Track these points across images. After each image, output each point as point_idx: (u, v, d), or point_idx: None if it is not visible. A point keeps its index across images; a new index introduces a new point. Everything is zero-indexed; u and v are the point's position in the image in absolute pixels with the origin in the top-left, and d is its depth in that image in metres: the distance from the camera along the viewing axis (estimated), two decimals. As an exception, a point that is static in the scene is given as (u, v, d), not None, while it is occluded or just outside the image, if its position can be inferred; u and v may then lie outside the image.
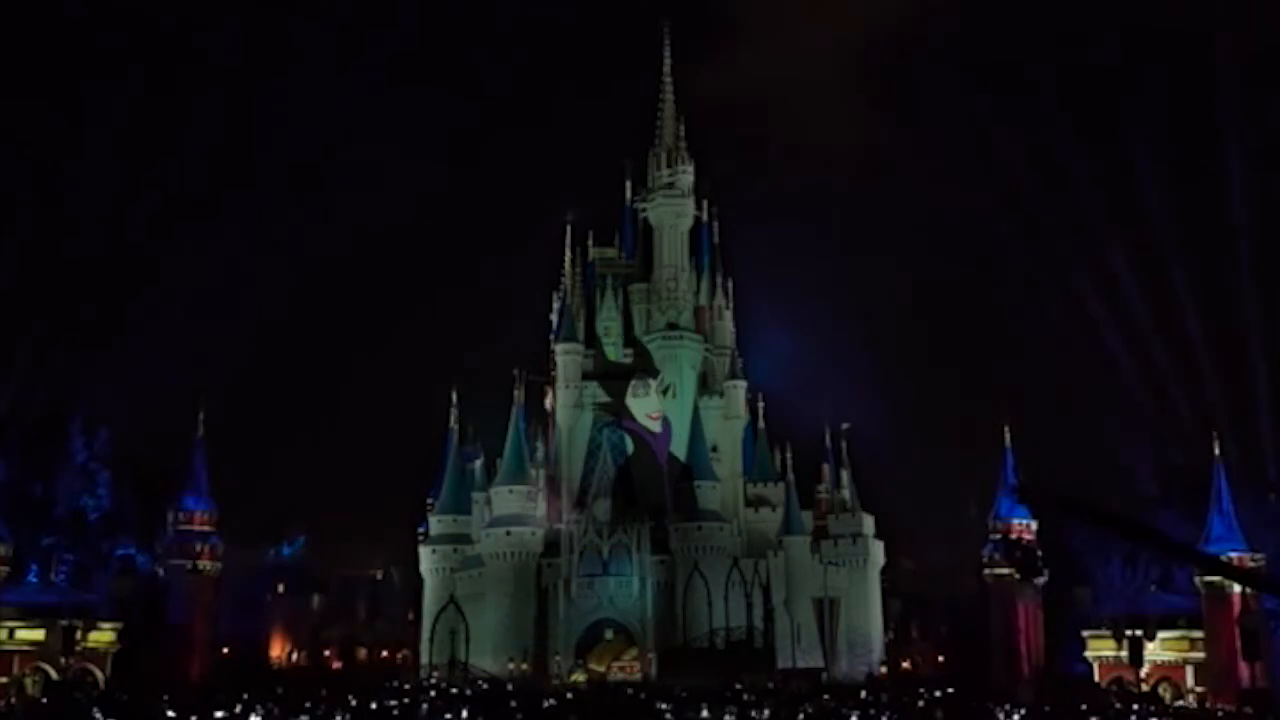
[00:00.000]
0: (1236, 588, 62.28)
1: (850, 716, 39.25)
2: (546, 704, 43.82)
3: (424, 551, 79.91)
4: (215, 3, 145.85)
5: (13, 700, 55.44)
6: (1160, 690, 62.36)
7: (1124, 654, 63.34)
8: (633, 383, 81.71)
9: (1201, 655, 64.32)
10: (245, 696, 42.38)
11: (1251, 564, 63.45)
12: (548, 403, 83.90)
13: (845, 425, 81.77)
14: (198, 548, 67.19)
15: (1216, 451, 66.26)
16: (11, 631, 61.91)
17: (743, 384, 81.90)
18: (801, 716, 38.71)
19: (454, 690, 54.50)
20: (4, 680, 60.21)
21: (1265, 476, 72.29)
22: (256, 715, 39.12)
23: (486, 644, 72.53)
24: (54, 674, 61.62)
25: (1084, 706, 42.64)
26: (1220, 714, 52.80)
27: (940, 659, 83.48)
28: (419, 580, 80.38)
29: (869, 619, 77.70)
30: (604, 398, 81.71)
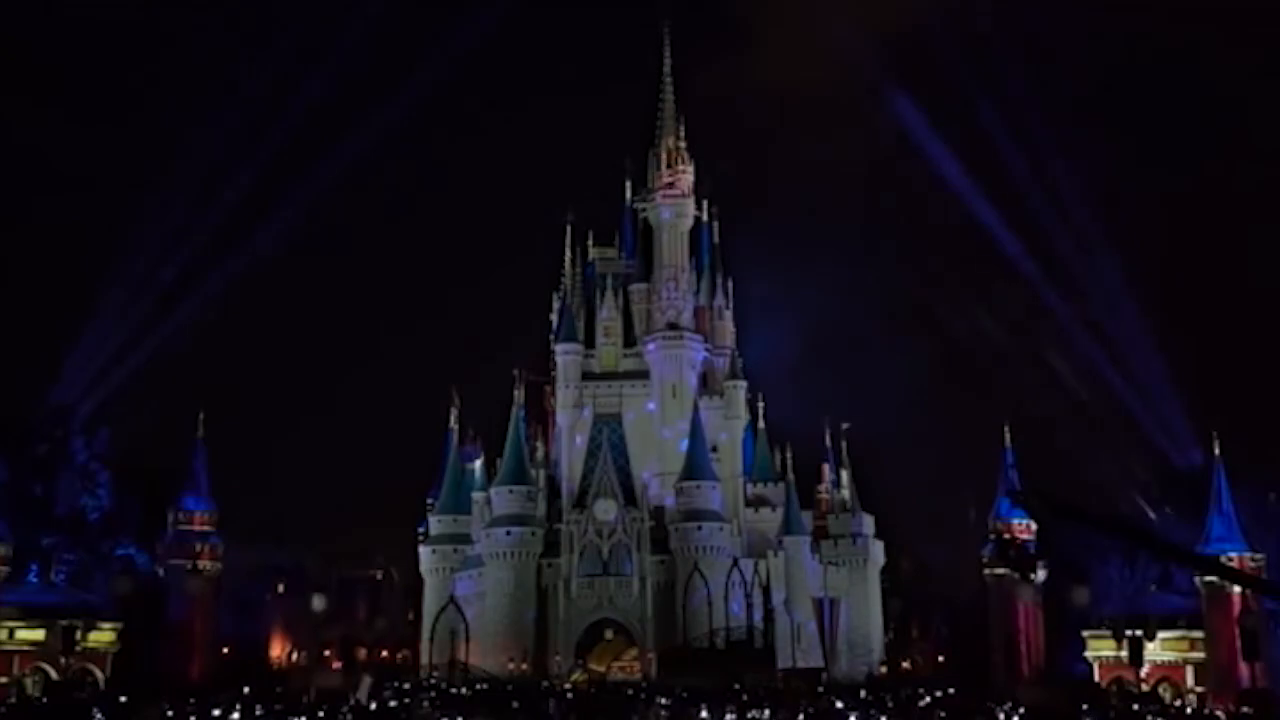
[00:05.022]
0: (1237, 588, 62.24)
1: (850, 716, 39.27)
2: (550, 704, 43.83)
3: (424, 551, 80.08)
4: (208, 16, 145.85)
5: (13, 700, 55.39)
6: (1160, 690, 62.30)
7: (1124, 654, 63.16)
8: (633, 383, 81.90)
9: (1201, 655, 64.21)
10: (245, 696, 42.40)
11: (1251, 565, 63.39)
12: (548, 403, 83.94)
13: (845, 425, 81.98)
14: (198, 548, 67.10)
15: (1217, 451, 66.21)
16: (11, 631, 61.76)
17: (743, 384, 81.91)
18: (801, 716, 38.70)
19: (454, 690, 54.54)
20: (4, 680, 60.16)
21: (1265, 476, 72.18)
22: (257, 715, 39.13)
23: (486, 644, 72.54)
24: (54, 674, 61.54)
25: (1085, 706, 42.64)
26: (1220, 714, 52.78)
27: (940, 659, 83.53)
28: (419, 580, 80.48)
29: (869, 619, 77.87)
30: (604, 398, 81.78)
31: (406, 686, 56.64)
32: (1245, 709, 53.24)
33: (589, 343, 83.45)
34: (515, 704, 43.60)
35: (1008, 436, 72.47)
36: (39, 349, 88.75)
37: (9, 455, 71.29)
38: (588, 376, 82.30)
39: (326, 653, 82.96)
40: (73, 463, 74.95)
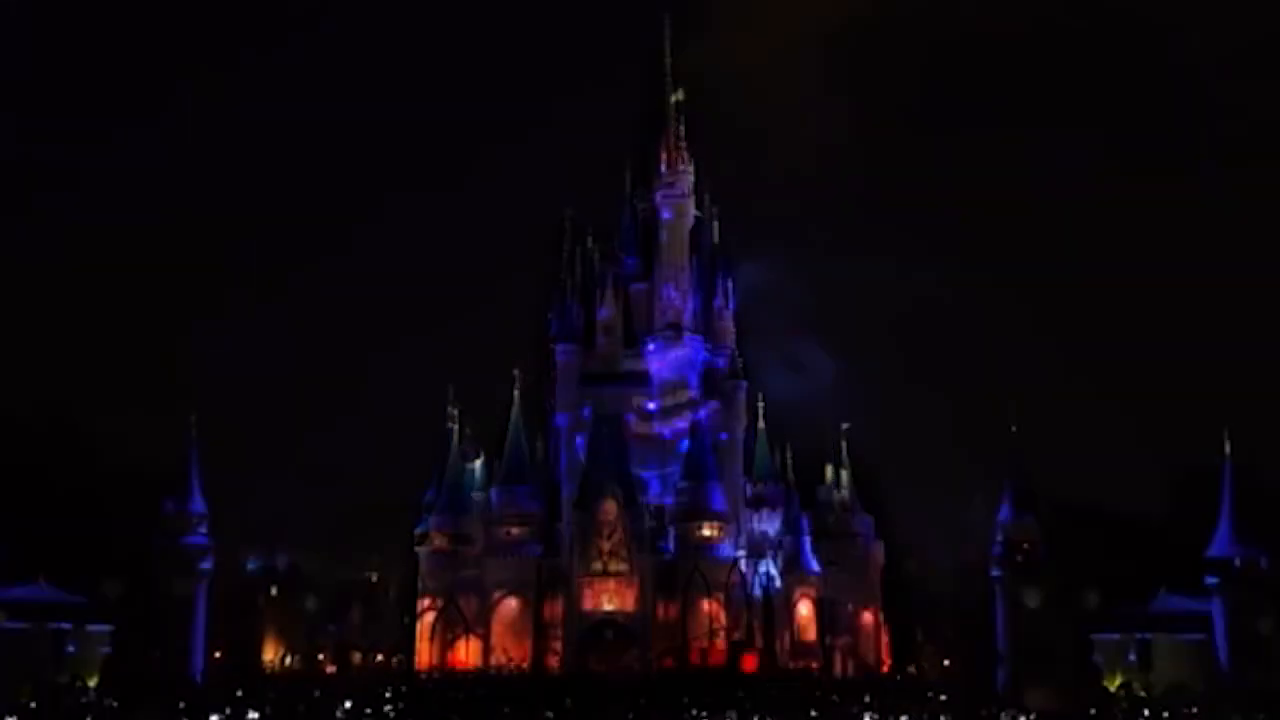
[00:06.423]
0: (1239, 588, 62.26)
1: (850, 716, 38.87)
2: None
3: (423, 552, 79.51)
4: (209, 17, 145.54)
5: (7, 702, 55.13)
6: (1167, 693, 62.05)
7: (1132, 657, 63.16)
8: (633, 383, 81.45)
9: (1207, 657, 64.02)
10: (238, 698, 41.96)
11: (1253, 565, 63.22)
12: (548, 403, 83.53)
13: (845, 425, 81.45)
14: (192, 549, 66.98)
15: (1227, 450, 65.89)
16: (5, 632, 61.66)
17: (743, 384, 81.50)
18: (802, 717, 38.29)
19: (452, 691, 54.14)
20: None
21: (1270, 475, 71.90)
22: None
23: (486, 644, 72.08)
24: (49, 676, 61.27)
25: (1092, 710, 42.25)
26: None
27: (944, 661, 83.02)
28: (416, 582, 79.95)
29: (869, 619, 77.41)
30: (604, 397, 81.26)
31: (403, 689, 56.30)
32: (1245, 709, 53.13)
33: (589, 343, 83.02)
34: (515, 704, 43.18)
35: (1008, 436, 72.12)
36: (37, 348, 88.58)
37: (9, 456, 71.09)
38: (588, 376, 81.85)
39: (320, 655, 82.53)
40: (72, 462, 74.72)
